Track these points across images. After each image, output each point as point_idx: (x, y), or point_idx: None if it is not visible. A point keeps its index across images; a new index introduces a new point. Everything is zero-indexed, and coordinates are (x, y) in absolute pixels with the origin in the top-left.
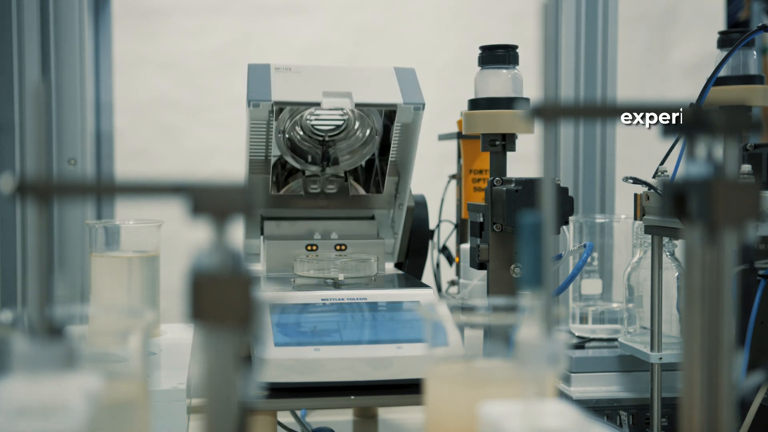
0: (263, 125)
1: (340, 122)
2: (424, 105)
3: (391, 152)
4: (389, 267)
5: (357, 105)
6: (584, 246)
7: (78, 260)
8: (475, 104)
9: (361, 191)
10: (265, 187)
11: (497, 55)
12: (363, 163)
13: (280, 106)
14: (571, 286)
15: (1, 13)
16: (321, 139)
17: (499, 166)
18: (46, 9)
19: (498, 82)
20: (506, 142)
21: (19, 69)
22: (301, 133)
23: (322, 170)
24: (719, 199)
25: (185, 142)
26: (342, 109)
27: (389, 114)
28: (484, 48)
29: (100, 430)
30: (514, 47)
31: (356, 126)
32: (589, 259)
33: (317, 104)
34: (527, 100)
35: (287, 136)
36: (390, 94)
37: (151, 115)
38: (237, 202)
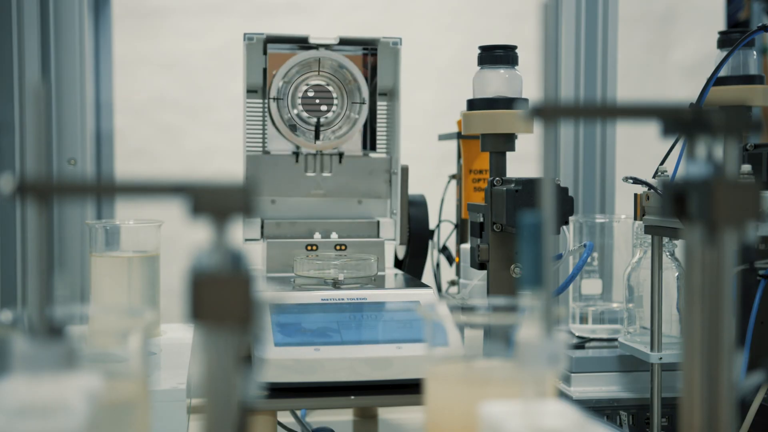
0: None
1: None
2: (401, 39)
3: (378, 104)
4: (389, 266)
5: (341, 40)
6: (584, 246)
7: (78, 260)
8: (474, 104)
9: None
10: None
11: (496, 55)
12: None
13: (271, 40)
14: (571, 286)
15: (1, 13)
16: (315, 112)
17: (499, 166)
18: (46, 9)
19: (497, 83)
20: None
21: (19, 69)
22: (294, 111)
23: (315, 153)
24: (719, 199)
25: (185, 142)
26: (329, 87)
27: (372, 67)
28: (483, 48)
29: (100, 430)
30: (513, 47)
31: (344, 98)
32: (589, 259)
33: (305, 38)
34: (527, 100)
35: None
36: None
37: (151, 115)
38: (237, 202)
